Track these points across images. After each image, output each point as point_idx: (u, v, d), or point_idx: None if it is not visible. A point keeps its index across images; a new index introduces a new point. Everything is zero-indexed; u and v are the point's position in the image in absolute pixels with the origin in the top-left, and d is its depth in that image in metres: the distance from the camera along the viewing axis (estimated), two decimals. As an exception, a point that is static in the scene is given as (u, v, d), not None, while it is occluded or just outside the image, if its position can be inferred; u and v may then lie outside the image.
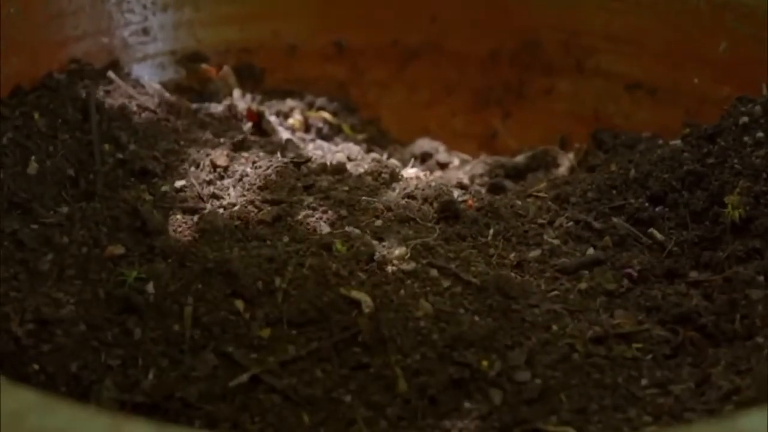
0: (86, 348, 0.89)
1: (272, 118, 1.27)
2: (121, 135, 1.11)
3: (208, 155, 1.09)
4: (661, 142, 1.21)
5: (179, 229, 1.00)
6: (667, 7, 1.30)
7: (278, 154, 1.11)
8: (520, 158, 1.28)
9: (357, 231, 0.98)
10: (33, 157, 1.05)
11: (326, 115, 1.34)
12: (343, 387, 0.87)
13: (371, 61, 1.41)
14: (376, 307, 0.90)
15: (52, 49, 1.21)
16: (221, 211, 1.02)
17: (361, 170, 1.11)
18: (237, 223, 1.00)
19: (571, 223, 1.05)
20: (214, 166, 1.07)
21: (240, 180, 1.06)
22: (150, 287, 0.92)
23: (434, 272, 0.95)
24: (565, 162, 1.26)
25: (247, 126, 1.23)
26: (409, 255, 0.96)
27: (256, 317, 0.90)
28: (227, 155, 1.09)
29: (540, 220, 1.06)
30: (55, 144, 1.07)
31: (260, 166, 1.07)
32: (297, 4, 1.38)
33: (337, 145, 1.25)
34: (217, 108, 1.26)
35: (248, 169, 1.07)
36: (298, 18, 1.38)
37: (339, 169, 1.10)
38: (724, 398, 0.86)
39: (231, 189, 1.05)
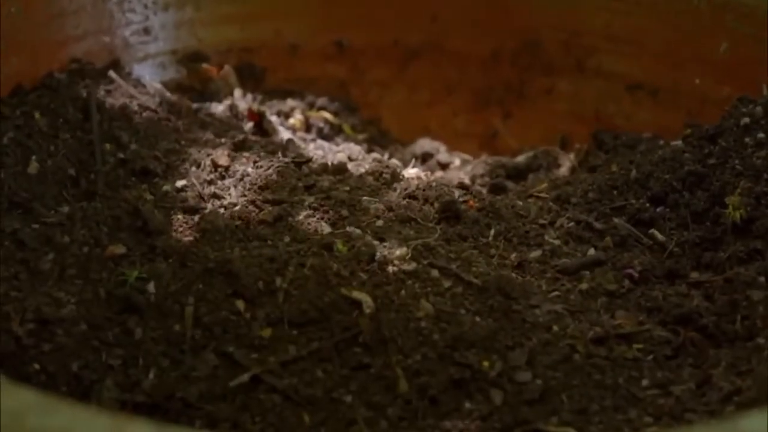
0: (87, 348, 0.89)
1: (273, 118, 1.27)
2: (122, 135, 1.11)
3: (209, 155, 1.09)
4: (662, 142, 1.21)
5: (180, 229, 1.00)
6: (668, 8, 1.30)
7: (279, 154, 1.11)
8: (520, 158, 1.28)
9: (358, 231, 0.98)
10: (34, 157, 1.05)
11: (327, 115, 1.34)
12: (344, 387, 0.87)
13: (372, 60, 1.41)
14: (377, 307, 0.90)
15: (52, 49, 1.21)
16: (222, 210, 1.02)
17: (362, 170, 1.11)
18: (238, 223, 1.00)
19: (572, 224, 1.05)
20: (215, 165, 1.07)
21: (241, 180, 1.06)
22: (151, 287, 0.92)
23: (435, 272, 0.94)
24: (566, 162, 1.26)
25: (248, 126, 1.24)
26: (410, 255, 0.96)
27: (257, 317, 0.90)
28: (228, 155, 1.08)
29: (541, 221, 1.06)
30: (56, 143, 1.07)
31: (261, 166, 1.07)
32: (298, 4, 1.38)
33: (338, 145, 1.25)
34: (218, 108, 1.26)
35: (249, 169, 1.07)
36: (299, 17, 1.38)
37: (340, 169, 1.10)
38: (724, 399, 0.86)
39: (232, 189, 1.05)
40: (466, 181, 1.21)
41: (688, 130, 1.12)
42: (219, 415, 0.85)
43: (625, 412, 0.86)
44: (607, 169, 1.14)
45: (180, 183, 1.06)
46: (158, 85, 1.22)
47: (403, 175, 1.12)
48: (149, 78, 1.26)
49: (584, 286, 0.97)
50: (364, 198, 1.04)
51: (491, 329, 0.90)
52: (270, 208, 1.01)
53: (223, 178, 1.07)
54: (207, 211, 1.02)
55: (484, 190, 1.17)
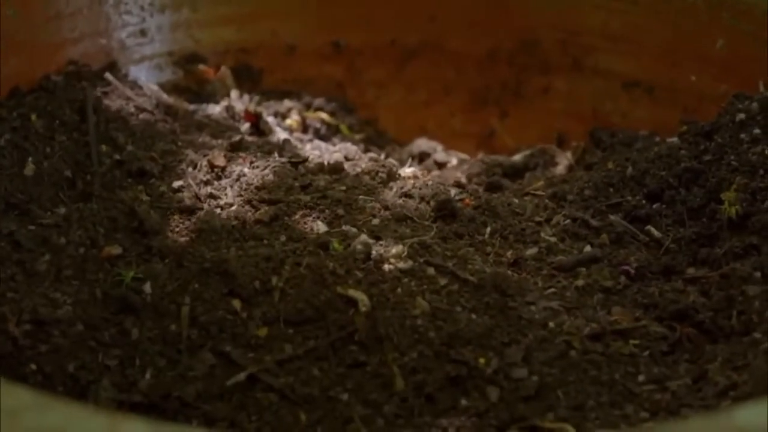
0: (83, 348, 0.89)
1: (270, 119, 1.27)
2: (118, 136, 1.11)
3: (205, 156, 1.09)
4: (658, 139, 1.21)
5: (176, 229, 1.00)
6: (665, 6, 1.30)
7: (275, 155, 1.11)
8: (517, 157, 1.28)
9: (354, 230, 0.98)
10: (30, 159, 1.05)
11: (324, 115, 1.34)
12: (340, 385, 0.87)
13: (369, 60, 1.41)
14: (372, 305, 0.90)
15: (49, 51, 1.21)
16: (218, 211, 1.02)
17: (359, 169, 1.11)
18: (234, 222, 1.00)
19: (568, 221, 1.05)
20: (212, 166, 1.07)
21: (237, 180, 1.06)
22: (147, 287, 0.93)
23: (431, 270, 0.94)
24: (563, 160, 1.26)
25: (245, 126, 1.24)
26: (406, 253, 0.96)
27: (253, 316, 0.91)
28: (225, 156, 1.09)
29: (537, 218, 1.06)
30: (53, 145, 1.07)
31: (257, 166, 1.07)
32: (295, 4, 1.38)
33: (334, 145, 1.25)
34: (214, 109, 1.26)
35: (245, 170, 1.07)
36: (296, 18, 1.38)
37: (336, 169, 1.10)
38: (721, 394, 0.86)
39: (228, 189, 1.05)
40: (463, 179, 1.21)
41: (684, 127, 1.12)
42: (216, 415, 0.85)
43: (621, 408, 0.86)
44: (603, 166, 1.14)
45: (176, 184, 1.06)
46: (155, 87, 1.22)
47: (399, 174, 1.12)
48: (146, 80, 1.26)
49: (580, 282, 0.97)
50: (361, 197, 1.04)
51: (487, 326, 0.90)
52: (266, 208, 1.01)
53: (219, 178, 1.07)
54: (203, 211, 1.02)
55: (481, 189, 1.17)
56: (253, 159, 1.08)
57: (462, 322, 0.90)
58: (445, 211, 1.03)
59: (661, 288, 0.98)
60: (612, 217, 1.06)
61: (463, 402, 0.86)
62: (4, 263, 0.94)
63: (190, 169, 1.08)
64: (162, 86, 1.25)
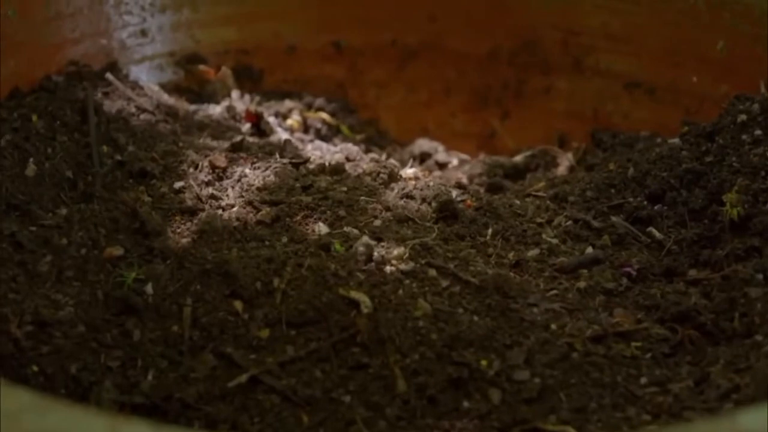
0: (85, 349, 0.89)
1: (271, 119, 1.27)
2: (119, 137, 1.11)
3: (206, 156, 1.09)
4: (659, 140, 1.21)
5: (178, 230, 1.00)
6: (666, 6, 1.30)
7: (277, 155, 1.11)
8: (518, 158, 1.28)
9: (356, 231, 0.98)
10: (31, 159, 1.05)
11: (325, 115, 1.34)
12: (342, 387, 0.87)
13: (370, 61, 1.41)
14: (374, 307, 0.90)
15: (50, 51, 1.21)
16: (220, 212, 1.02)
17: (360, 170, 1.11)
18: (236, 223, 1.00)
19: (569, 222, 1.05)
20: (213, 167, 1.07)
21: (239, 181, 1.06)
22: (149, 288, 0.93)
23: (433, 272, 0.94)
24: (564, 161, 1.26)
25: (246, 127, 1.24)
26: (407, 255, 0.96)
27: (255, 318, 0.91)
28: (226, 156, 1.09)
29: (539, 220, 1.06)
30: (54, 146, 1.07)
31: (259, 167, 1.07)
32: (295, 5, 1.38)
33: (335, 145, 1.25)
34: (215, 109, 1.26)
35: (247, 170, 1.07)
36: (297, 18, 1.38)
37: (338, 170, 1.10)
38: (723, 397, 0.86)
39: (230, 190, 1.05)
40: (464, 180, 1.21)
41: (685, 128, 1.12)
42: (218, 416, 0.85)
43: (623, 410, 0.86)
44: (604, 167, 1.14)
45: (178, 184, 1.06)
46: (156, 87, 1.22)
47: (400, 175, 1.12)
48: (146, 80, 1.26)
49: (582, 284, 0.97)
50: (362, 198, 1.04)
51: (489, 328, 0.90)
52: (268, 209, 1.01)
53: (220, 179, 1.07)
54: (205, 212, 1.02)
55: (482, 190, 1.17)
56: (255, 160, 1.08)
57: (464, 324, 0.90)
58: (446, 212, 1.03)
59: (662, 290, 0.98)
60: (614, 219, 1.06)
61: (465, 404, 0.86)
62: (5, 264, 0.94)
63: (191, 169, 1.08)
64: (163, 87, 1.25)
